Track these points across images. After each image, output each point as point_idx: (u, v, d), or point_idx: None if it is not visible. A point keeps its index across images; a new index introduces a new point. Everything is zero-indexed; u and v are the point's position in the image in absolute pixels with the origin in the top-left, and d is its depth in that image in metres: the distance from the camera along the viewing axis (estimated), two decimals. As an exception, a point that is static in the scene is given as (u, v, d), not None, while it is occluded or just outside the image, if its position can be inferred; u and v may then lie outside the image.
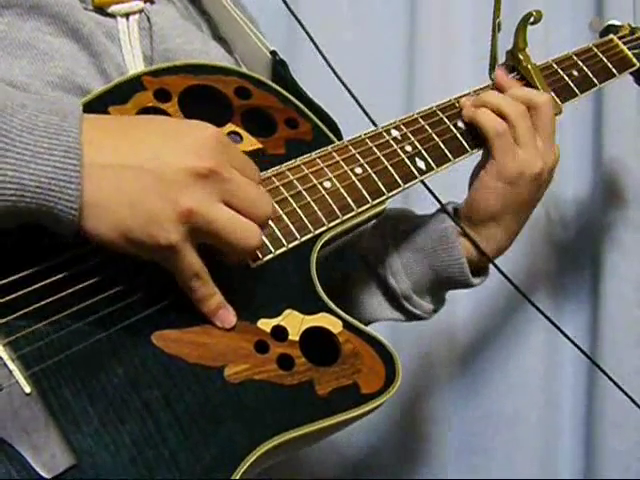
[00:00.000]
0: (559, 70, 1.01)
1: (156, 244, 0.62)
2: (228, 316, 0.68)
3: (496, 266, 0.95)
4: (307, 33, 0.89)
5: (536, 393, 1.45)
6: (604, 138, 1.41)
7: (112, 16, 0.84)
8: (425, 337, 1.45)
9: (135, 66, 0.83)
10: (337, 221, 0.79)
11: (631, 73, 1.11)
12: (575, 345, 0.99)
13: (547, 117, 0.92)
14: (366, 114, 0.88)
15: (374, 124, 0.87)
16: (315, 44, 0.90)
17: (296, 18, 0.91)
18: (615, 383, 0.99)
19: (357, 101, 0.89)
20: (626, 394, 0.99)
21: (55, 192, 0.59)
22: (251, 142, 0.80)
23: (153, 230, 0.62)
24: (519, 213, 0.94)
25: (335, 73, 0.90)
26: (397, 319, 1.00)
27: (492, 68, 1.00)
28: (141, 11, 0.86)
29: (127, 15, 0.85)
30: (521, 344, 1.46)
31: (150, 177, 0.62)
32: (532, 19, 0.96)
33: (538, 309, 0.98)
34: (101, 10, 0.83)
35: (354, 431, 1.39)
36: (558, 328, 0.98)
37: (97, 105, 0.75)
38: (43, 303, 0.64)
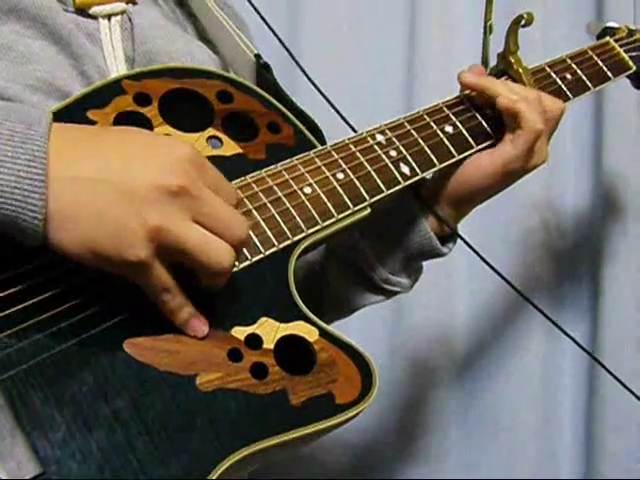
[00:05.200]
0: (552, 73, 0.99)
1: (123, 260, 0.62)
2: (200, 326, 0.68)
3: (490, 264, 0.94)
4: (282, 43, 0.88)
5: (536, 395, 1.46)
6: (604, 148, 1.41)
7: (94, 17, 0.84)
8: (425, 340, 1.46)
9: (117, 68, 0.83)
10: (317, 227, 0.78)
11: (628, 76, 1.10)
12: (573, 341, 0.98)
13: (557, 125, 0.94)
14: (344, 120, 0.87)
15: (353, 130, 0.86)
16: (291, 54, 0.89)
17: (277, 37, 0.91)
18: (615, 377, 0.98)
19: (334, 107, 0.88)
20: (627, 388, 0.98)
21: (19, 201, 0.58)
22: (231, 147, 0.79)
23: (120, 246, 0.61)
24: (494, 194, 0.95)
25: (310, 80, 0.89)
26: (379, 301, 1.00)
27: (484, 70, 0.99)
28: (123, 12, 0.85)
29: (109, 16, 0.84)
30: (520, 347, 1.46)
31: (119, 192, 0.61)
32: (523, 21, 0.95)
33: (535, 306, 0.97)
34: (82, 11, 0.83)
35: (353, 431, 1.40)
36: (555, 324, 0.97)
37: (76, 109, 0.75)
38: (11, 311, 0.63)
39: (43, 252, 0.63)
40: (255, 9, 0.93)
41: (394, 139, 0.86)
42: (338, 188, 0.80)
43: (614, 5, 1.38)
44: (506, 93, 0.90)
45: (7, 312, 0.64)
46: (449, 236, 0.95)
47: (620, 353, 1.39)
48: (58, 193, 0.60)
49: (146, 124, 0.77)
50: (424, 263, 0.98)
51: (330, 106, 0.90)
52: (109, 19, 0.84)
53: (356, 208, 0.81)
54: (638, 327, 1.41)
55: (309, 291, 0.93)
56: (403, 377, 1.46)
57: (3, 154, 0.59)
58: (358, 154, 0.83)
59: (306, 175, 0.80)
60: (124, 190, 0.61)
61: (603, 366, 1.03)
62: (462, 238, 0.94)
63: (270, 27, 0.89)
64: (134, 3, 0.86)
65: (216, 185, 0.66)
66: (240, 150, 0.80)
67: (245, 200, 0.75)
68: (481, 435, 1.47)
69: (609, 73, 1.04)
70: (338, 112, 0.88)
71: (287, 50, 0.89)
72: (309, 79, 0.89)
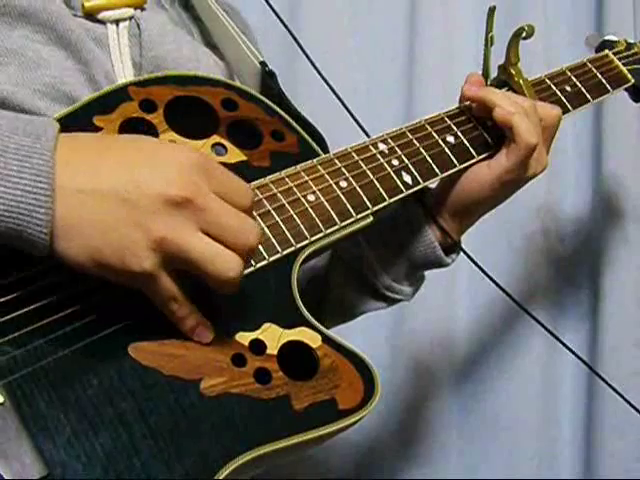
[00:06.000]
0: (552, 85, 1.01)
1: (129, 271, 0.62)
2: (206, 333, 0.68)
3: (492, 279, 0.95)
4: (300, 46, 0.88)
5: (536, 396, 1.47)
6: (604, 152, 1.42)
7: (102, 22, 0.84)
8: (426, 343, 1.47)
9: (124, 73, 0.83)
10: (320, 235, 0.78)
11: (626, 89, 1.11)
12: (572, 352, 0.99)
13: (555, 131, 0.95)
14: (359, 124, 0.88)
15: (367, 135, 0.87)
16: (306, 54, 0.90)
17: (290, 31, 0.91)
18: (611, 387, 0.99)
19: (349, 111, 0.89)
20: (624, 398, 0.99)
21: (24, 216, 0.59)
22: (235, 154, 0.80)
23: (126, 257, 0.61)
24: (495, 205, 0.96)
25: (329, 85, 0.89)
26: (380, 308, 1.01)
27: (485, 82, 1.00)
28: (131, 18, 0.85)
29: (117, 22, 0.85)
30: (521, 349, 1.48)
31: (124, 204, 0.61)
32: (524, 34, 0.96)
33: (536, 320, 0.98)
34: (91, 17, 0.83)
35: (356, 432, 1.40)
36: (556, 337, 0.98)
37: (82, 114, 0.75)
38: (16, 314, 0.64)
39: (50, 257, 0.64)
40: (270, 6, 0.93)
41: (396, 148, 0.87)
42: (341, 196, 0.81)
43: (614, 16, 1.39)
44: (504, 104, 0.90)
45: (12, 315, 0.64)
46: (452, 247, 0.96)
47: (620, 353, 1.40)
48: (64, 205, 0.60)
49: (151, 130, 0.77)
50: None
51: (345, 109, 0.91)
52: (117, 24, 0.84)
53: (359, 216, 0.81)
54: (638, 328, 1.42)
55: (312, 295, 0.94)
56: (405, 379, 1.47)
57: (9, 168, 0.59)
58: (361, 163, 0.84)
59: (310, 183, 0.80)
60: (129, 201, 0.61)
61: (601, 377, 1.03)
62: (465, 252, 0.95)
63: (282, 20, 0.89)
64: (142, 9, 0.87)
65: (226, 189, 0.65)
66: (244, 157, 0.80)
67: None
68: (482, 436, 1.48)
69: (608, 86, 1.05)
70: (352, 115, 0.89)
71: (299, 46, 0.89)
72: (322, 77, 0.89)
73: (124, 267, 0.62)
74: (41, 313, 0.65)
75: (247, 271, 0.73)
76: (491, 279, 0.93)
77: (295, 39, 0.92)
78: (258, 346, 0.70)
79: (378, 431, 1.46)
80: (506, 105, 0.90)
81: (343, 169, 0.83)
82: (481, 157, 0.92)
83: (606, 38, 1.15)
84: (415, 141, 0.89)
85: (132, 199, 0.61)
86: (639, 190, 1.42)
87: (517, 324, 1.46)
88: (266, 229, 0.75)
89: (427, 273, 1.01)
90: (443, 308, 1.46)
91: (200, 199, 0.63)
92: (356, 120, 0.89)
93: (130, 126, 0.77)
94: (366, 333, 1.39)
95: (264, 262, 0.74)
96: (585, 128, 1.45)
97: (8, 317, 0.64)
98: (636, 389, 1.00)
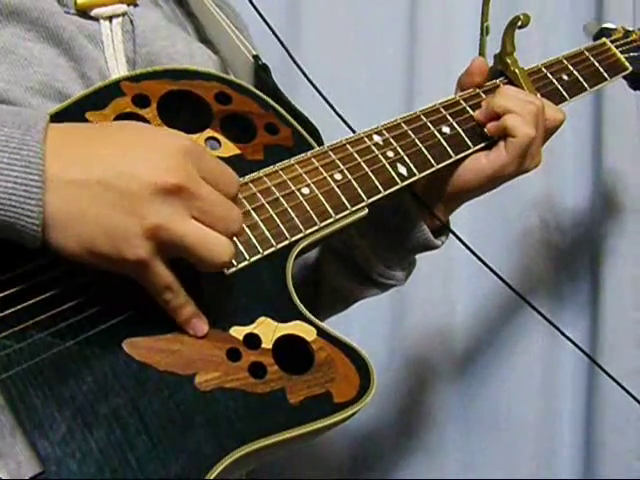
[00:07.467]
0: (548, 74, 1.00)
1: (123, 259, 0.62)
2: (200, 325, 0.68)
3: (487, 265, 0.94)
4: (281, 43, 0.88)
5: (536, 394, 1.46)
6: (603, 146, 1.42)
7: (95, 19, 0.84)
8: (425, 339, 1.47)
9: (118, 70, 0.83)
10: (315, 228, 0.78)
11: (624, 77, 1.10)
12: (572, 342, 0.98)
13: (553, 133, 0.95)
14: (343, 120, 0.87)
15: (351, 129, 0.87)
16: (290, 54, 0.89)
17: (275, 34, 0.91)
18: (613, 379, 0.99)
19: (332, 107, 0.89)
20: (625, 389, 0.99)
21: (16, 208, 0.59)
22: (229, 148, 0.80)
23: (120, 245, 0.62)
24: (484, 193, 0.96)
25: (310, 81, 0.89)
26: (374, 294, 1.02)
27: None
28: (124, 14, 0.85)
29: (110, 18, 0.84)
30: (520, 345, 1.47)
31: (116, 193, 0.61)
32: (520, 23, 0.95)
33: (533, 307, 0.98)
34: (84, 13, 0.83)
35: (353, 425, 1.40)
36: (554, 326, 0.98)
37: (75, 111, 0.75)
38: (11, 311, 0.64)
39: (43, 252, 0.64)
40: (255, 8, 0.93)
41: (391, 140, 0.87)
42: (336, 189, 0.81)
43: (614, 5, 1.38)
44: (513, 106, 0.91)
45: (7, 312, 0.64)
46: (441, 229, 0.96)
47: (619, 351, 1.40)
48: (55, 196, 0.61)
49: None
50: (425, 262, 0.99)
51: (328, 106, 0.90)
52: (110, 21, 0.84)
53: (354, 208, 0.81)
54: (637, 325, 1.42)
55: (304, 286, 0.93)
56: (403, 375, 1.46)
57: None
58: (355, 155, 0.84)
59: (304, 176, 0.80)
60: (122, 190, 0.61)
61: (602, 369, 1.03)
62: (463, 242, 0.94)
63: (270, 26, 0.90)
64: (135, 5, 0.87)
65: (215, 175, 0.66)
66: (238, 151, 0.80)
67: (243, 200, 0.75)
68: (480, 434, 1.48)
69: (605, 74, 1.05)
70: (336, 112, 0.89)
71: (286, 50, 0.90)
72: (308, 79, 0.89)
73: (119, 256, 0.62)
74: (36, 309, 0.65)
75: (241, 265, 0.73)
76: (491, 269, 0.93)
77: (283, 45, 0.93)
78: (253, 340, 0.70)
79: (375, 425, 1.45)
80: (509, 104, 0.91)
81: (337, 161, 0.82)
82: (477, 147, 0.91)
83: (604, 26, 1.14)
84: (410, 132, 0.88)
85: (125, 188, 0.62)
86: (638, 183, 1.41)
87: (516, 321, 1.45)
88: (260, 223, 0.75)
89: (425, 268, 1.01)
90: (441, 303, 1.45)
91: (192, 186, 0.63)
92: (341, 117, 0.88)
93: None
94: (365, 328, 1.39)
95: (258, 256, 0.74)
96: (584, 121, 1.45)
97: (3, 314, 0.64)
98: (636, 387, 1.00)
